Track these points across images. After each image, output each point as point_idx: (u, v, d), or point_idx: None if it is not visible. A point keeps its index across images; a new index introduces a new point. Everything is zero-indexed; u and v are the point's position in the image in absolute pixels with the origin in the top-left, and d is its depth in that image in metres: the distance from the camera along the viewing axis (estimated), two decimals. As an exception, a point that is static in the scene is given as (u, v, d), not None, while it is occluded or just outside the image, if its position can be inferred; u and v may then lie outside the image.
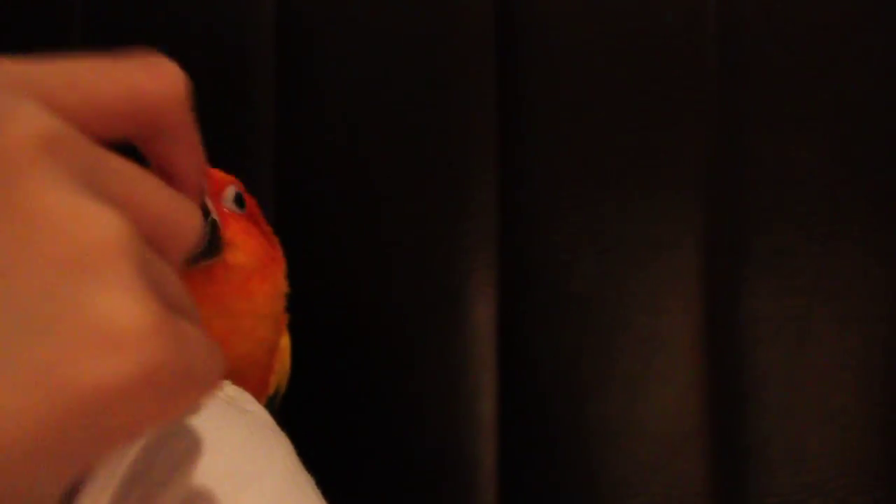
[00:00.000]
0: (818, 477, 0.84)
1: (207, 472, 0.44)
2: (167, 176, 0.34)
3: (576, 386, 0.86)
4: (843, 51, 0.86)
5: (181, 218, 0.31)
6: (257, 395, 0.66)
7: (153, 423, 0.29)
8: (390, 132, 0.88)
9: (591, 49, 0.87)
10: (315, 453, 0.86)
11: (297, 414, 0.83)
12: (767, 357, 0.85)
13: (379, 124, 0.88)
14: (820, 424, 0.84)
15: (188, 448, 0.45)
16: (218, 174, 0.57)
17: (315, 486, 0.49)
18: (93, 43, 0.91)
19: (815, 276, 0.85)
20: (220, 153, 0.88)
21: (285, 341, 0.69)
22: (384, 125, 0.88)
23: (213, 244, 0.54)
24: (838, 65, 0.86)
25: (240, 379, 0.59)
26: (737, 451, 0.85)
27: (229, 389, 0.51)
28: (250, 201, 0.60)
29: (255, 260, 0.57)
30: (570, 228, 0.86)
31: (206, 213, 0.52)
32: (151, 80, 0.31)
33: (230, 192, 0.57)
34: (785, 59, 0.87)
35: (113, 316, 0.27)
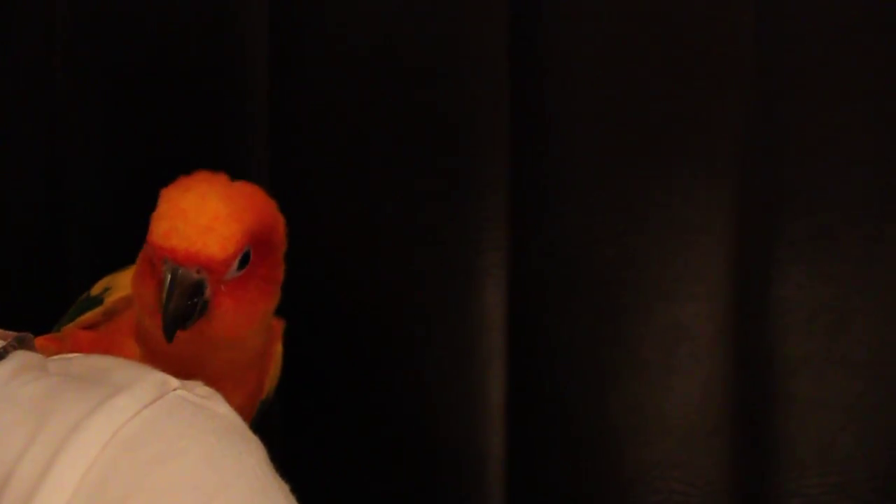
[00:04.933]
0: (848, 478, 0.80)
1: (169, 484, 0.42)
2: None
3: (591, 376, 0.82)
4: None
5: None
6: (252, 399, 0.65)
7: None
8: (394, 105, 0.83)
9: (616, 14, 0.80)
10: (319, 443, 0.83)
11: (300, 403, 0.80)
12: (798, 349, 0.80)
13: (383, 97, 0.83)
14: (852, 422, 0.80)
15: (149, 459, 0.43)
16: (230, 245, 0.57)
17: (288, 494, 0.46)
18: (79, 33, 0.86)
19: (855, 264, 0.80)
20: (214, 140, 0.84)
21: (278, 347, 0.67)
22: (388, 98, 0.83)
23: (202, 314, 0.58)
24: (890, 32, 0.79)
25: (235, 384, 0.60)
26: (762, 448, 0.81)
27: (200, 390, 0.47)
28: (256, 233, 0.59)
29: (236, 317, 0.59)
30: (589, 207, 0.81)
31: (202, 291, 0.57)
32: None
33: (236, 263, 0.58)
34: (830, 27, 0.80)
35: None
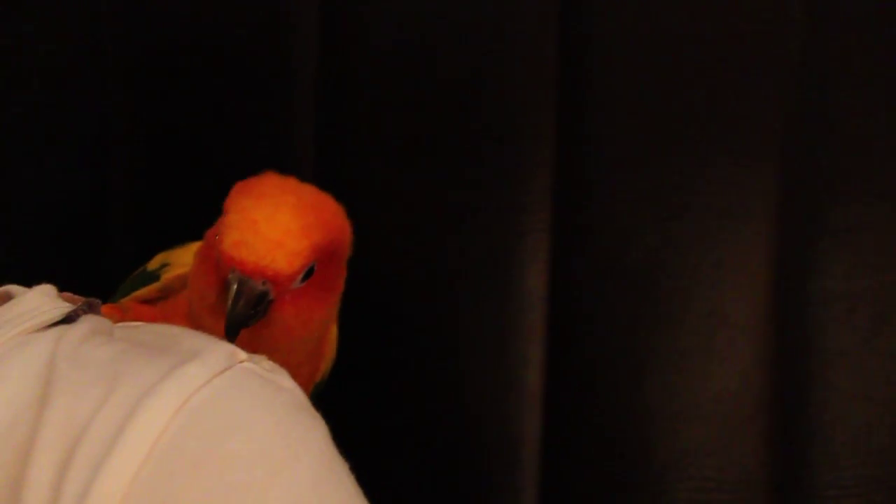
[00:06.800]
0: (885, 471, 0.79)
1: (238, 454, 0.42)
2: None
3: (629, 361, 0.81)
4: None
5: None
6: (309, 380, 0.66)
7: None
8: (439, 90, 0.82)
9: (660, 1, 0.79)
10: (354, 425, 0.82)
11: (334, 386, 0.80)
12: (838, 339, 0.80)
13: (428, 84, 0.82)
14: (890, 415, 0.80)
15: (221, 427, 0.43)
16: (298, 260, 0.57)
17: (349, 472, 0.47)
18: (124, 38, 0.85)
19: (897, 254, 0.79)
20: (259, 124, 0.83)
21: (333, 330, 0.67)
22: (433, 84, 0.82)
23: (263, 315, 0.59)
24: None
25: (296, 368, 0.60)
26: (798, 438, 0.80)
27: (265, 364, 0.47)
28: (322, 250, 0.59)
29: (294, 324, 0.60)
30: (631, 192, 0.80)
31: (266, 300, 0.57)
32: None
33: (300, 277, 0.58)
34: (877, 12, 0.79)
35: None
